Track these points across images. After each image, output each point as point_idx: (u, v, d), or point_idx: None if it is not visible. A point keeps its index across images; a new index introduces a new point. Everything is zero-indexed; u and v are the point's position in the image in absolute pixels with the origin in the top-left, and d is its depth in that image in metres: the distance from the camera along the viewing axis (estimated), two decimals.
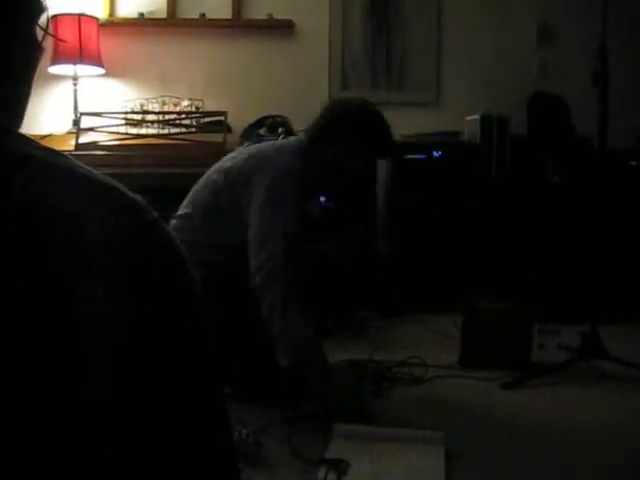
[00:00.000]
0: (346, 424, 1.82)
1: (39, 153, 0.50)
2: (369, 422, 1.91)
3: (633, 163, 3.54)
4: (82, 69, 3.70)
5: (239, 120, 3.56)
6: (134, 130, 3.35)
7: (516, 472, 1.73)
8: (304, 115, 2.42)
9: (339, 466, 1.61)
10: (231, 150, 2.45)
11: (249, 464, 1.63)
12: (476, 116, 3.59)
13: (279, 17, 3.96)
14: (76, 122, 3.46)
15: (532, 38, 3.98)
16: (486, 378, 2.41)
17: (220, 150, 2.89)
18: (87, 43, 3.59)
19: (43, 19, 0.58)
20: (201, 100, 3.81)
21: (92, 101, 3.85)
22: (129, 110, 3.69)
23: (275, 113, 3.54)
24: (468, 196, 3.52)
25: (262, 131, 3.34)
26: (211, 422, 0.55)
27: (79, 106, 3.72)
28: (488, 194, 3.52)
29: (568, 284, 3.28)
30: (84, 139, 3.23)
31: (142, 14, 3.94)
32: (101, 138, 3.26)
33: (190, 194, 2.27)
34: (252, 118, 3.51)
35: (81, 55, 3.58)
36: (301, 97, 3.73)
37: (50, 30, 0.60)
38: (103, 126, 3.30)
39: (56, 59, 3.57)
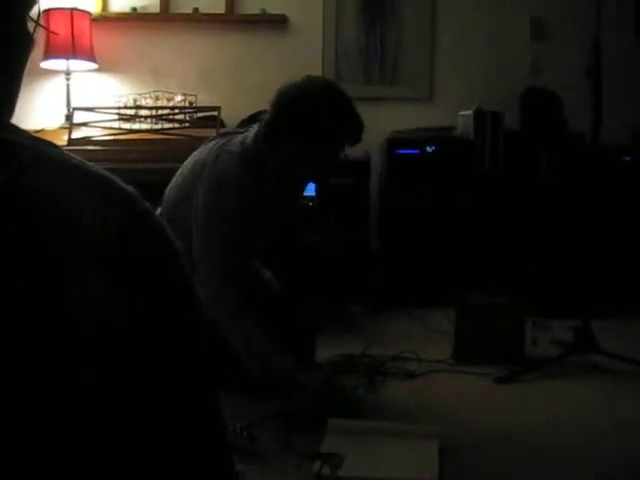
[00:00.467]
0: (340, 419, 1.82)
1: (30, 143, 0.50)
2: (362, 416, 1.91)
3: (626, 159, 3.55)
4: (75, 64, 3.68)
5: (232, 115, 3.55)
6: (127, 125, 3.33)
7: (510, 467, 1.73)
8: None
9: (333, 460, 1.61)
10: None
11: (243, 458, 1.63)
12: (469, 111, 3.60)
13: (272, 12, 3.95)
14: (69, 117, 3.44)
15: (525, 33, 3.98)
16: (479, 373, 2.42)
17: None
18: (80, 38, 3.57)
19: (34, 11, 0.58)
20: (194, 95, 3.79)
21: (85, 96, 3.83)
22: (122, 105, 3.66)
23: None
24: (461, 191, 3.53)
25: (254, 126, 3.32)
26: (206, 416, 0.55)
27: (72, 101, 3.70)
28: (481, 189, 3.52)
29: (561, 279, 3.30)
30: (77, 134, 3.21)
31: (135, 9, 3.93)
32: (94, 133, 3.24)
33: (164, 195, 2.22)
34: (245, 113, 3.50)
35: (74, 50, 3.56)
36: None
37: (42, 24, 0.59)
38: (96, 121, 3.28)
39: (48, 54, 3.55)
